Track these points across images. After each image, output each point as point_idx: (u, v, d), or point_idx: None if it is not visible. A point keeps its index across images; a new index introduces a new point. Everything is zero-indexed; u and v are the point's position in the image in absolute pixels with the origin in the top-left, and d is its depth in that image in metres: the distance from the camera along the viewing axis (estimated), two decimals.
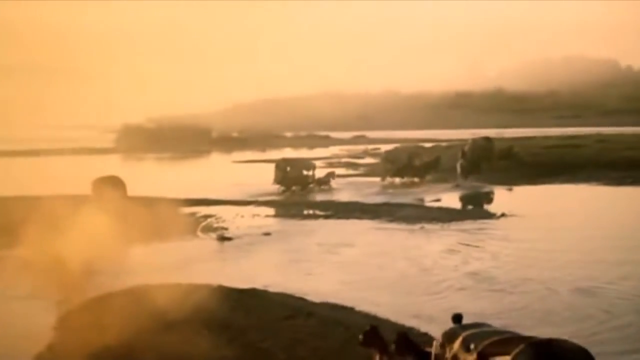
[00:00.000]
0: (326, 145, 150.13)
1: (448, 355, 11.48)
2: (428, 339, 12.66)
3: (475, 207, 48.93)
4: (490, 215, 42.45)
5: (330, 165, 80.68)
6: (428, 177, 65.48)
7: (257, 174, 74.72)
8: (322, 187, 61.41)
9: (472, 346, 11.02)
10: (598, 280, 25.23)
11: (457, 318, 12.45)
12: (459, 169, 65.20)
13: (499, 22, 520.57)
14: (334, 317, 20.42)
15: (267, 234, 37.33)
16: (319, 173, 63.71)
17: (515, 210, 43.58)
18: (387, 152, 72.52)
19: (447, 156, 71.69)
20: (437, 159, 69.23)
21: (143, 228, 32.83)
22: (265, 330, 19.24)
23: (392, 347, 12.86)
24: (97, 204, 35.74)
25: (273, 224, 41.40)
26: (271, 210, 46.99)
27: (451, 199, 52.04)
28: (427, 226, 38.50)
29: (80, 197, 39.61)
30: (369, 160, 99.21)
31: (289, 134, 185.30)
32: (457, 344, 11.34)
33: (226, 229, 38.80)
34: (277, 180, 60.78)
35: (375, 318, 19.69)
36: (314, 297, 23.55)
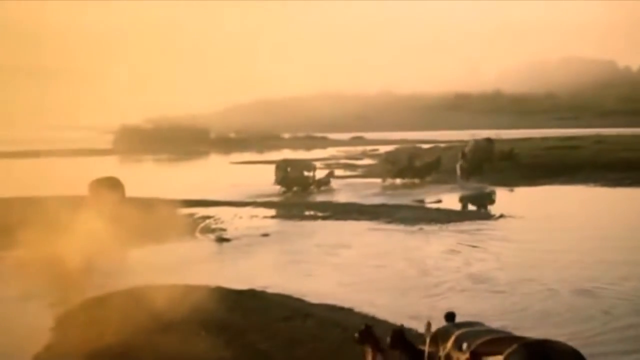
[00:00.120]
0: (324, 147, 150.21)
1: (441, 353, 11.49)
2: (425, 339, 12.66)
3: (478, 207, 48.77)
4: (489, 217, 42.47)
5: (329, 166, 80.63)
6: (429, 178, 65.42)
7: (255, 175, 74.75)
8: (322, 187, 61.44)
9: (464, 345, 11.04)
10: (598, 280, 25.21)
11: (449, 316, 12.46)
12: (458, 170, 65.25)
13: (498, 24, 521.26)
14: (332, 318, 20.39)
15: (266, 235, 37.30)
16: (318, 174, 63.69)
17: (514, 212, 43.58)
18: (388, 153, 72.51)
19: (447, 157, 71.75)
20: (438, 159, 69.22)
21: (141, 229, 32.79)
22: (263, 331, 19.20)
23: (387, 341, 12.91)
24: (95, 205, 35.69)
25: (271, 225, 41.37)
26: (269, 212, 46.95)
27: (451, 200, 52.09)
28: (426, 227, 38.48)
29: (79, 198, 39.60)
30: (367, 161, 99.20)
31: (286, 135, 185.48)
32: (450, 343, 11.36)
33: (224, 230, 38.76)
34: (278, 181, 60.80)
35: (373, 319, 19.66)
36: (312, 298, 23.51)
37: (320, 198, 55.13)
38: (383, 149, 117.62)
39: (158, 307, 20.09)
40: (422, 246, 33.35)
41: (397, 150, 74.49)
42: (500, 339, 10.85)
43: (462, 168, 65.64)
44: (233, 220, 42.87)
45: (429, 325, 12.42)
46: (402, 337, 12.85)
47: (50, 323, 21.09)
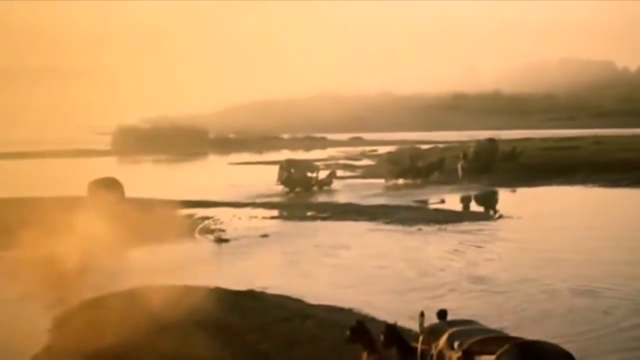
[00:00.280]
0: (323, 147, 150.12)
1: (434, 351, 11.51)
2: (417, 337, 12.72)
3: (485, 209, 48.56)
4: (488, 217, 42.53)
5: (328, 167, 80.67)
6: (431, 179, 65.38)
7: (254, 176, 74.76)
8: (324, 188, 61.59)
9: (456, 344, 11.07)
10: (598, 281, 25.23)
11: (441, 314, 12.48)
12: (460, 171, 65.41)
13: (496, 25, 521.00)
14: (331, 319, 20.39)
15: (265, 235, 37.30)
16: (320, 174, 63.82)
17: (513, 212, 43.65)
18: (391, 154, 72.52)
19: (447, 158, 71.72)
20: (441, 160, 69.20)
21: (140, 230, 32.81)
22: (262, 331, 19.20)
23: (381, 338, 12.92)
24: (94, 206, 35.72)
25: (270, 225, 41.37)
26: (268, 212, 46.96)
27: (454, 201, 52.21)
28: (425, 228, 38.50)
29: (77, 199, 39.64)
30: (366, 162, 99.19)
31: (285, 136, 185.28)
32: (442, 341, 11.39)
33: (223, 230, 38.75)
34: (281, 181, 60.91)
35: (372, 320, 19.67)
36: (311, 299, 23.53)
37: (321, 198, 55.23)
38: (382, 149, 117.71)
39: (157, 307, 20.08)
40: (421, 247, 33.37)
41: (400, 150, 74.45)
42: (493, 339, 10.90)
43: (463, 168, 65.78)
44: (232, 221, 42.86)
45: (422, 315, 12.45)
46: (395, 332, 12.88)
47: (48, 324, 21.08)
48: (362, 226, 39.99)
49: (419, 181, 64.64)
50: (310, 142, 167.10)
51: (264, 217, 44.78)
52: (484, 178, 62.85)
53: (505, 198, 54.17)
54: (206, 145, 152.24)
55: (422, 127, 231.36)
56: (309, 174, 62.55)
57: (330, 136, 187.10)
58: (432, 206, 49.63)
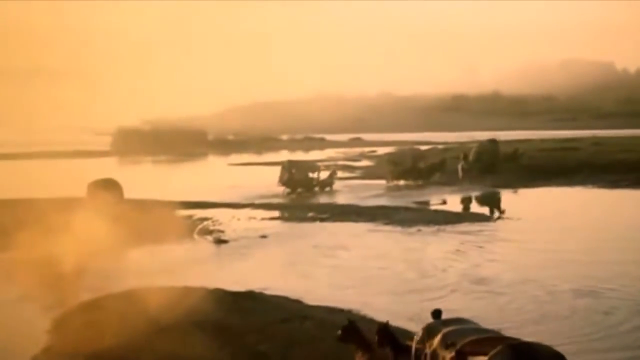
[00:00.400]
0: (322, 148, 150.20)
1: (428, 350, 11.52)
2: (411, 336, 12.74)
3: (490, 210, 48.35)
4: (487, 218, 42.51)
5: (328, 168, 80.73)
6: (433, 180, 65.40)
7: (254, 177, 74.77)
8: (326, 188, 61.69)
9: (449, 343, 11.08)
10: (597, 281, 25.23)
11: (436, 313, 12.49)
12: (460, 172, 65.48)
13: (495, 26, 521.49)
14: (330, 320, 20.34)
15: (264, 236, 37.27)
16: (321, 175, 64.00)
17: (512, 213, 43.61)
18: (392, 154, 72.57)
19: (448, 159, 71.74)
20: (443, 161, 69.23)
21: (139, 231, 32.79)
22: (261, 332, 19.17)
23: (375, 338, 12.94)
24: (93, 207, 35.67)
25: (269, 226, 41.34)
26: (267, 213, 46.93)
27: (455, 202, 52.24)
28: (424, 229, 38.48)
29: (76, 200, 39.60)
30: (365, 162, 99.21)
31: (284, 137, 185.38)
32: (436, 340, 11.39)
33: (222, 231, 38.71)
34: (283, 182, 60.98)
35: (371, 321, 19.64)
36: (310, 300, 23.51)
37: (322, 199, 55.28)
38: (381, 150, 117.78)
39: (156, 309, 20.05)
40: (420, 248, 33.35)
41: (401, 151, 74.54)
42: (487, 339, 10.90)
43: (463, 169, 65.85)
44: (231, 222, 42.83)
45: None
46: (388, 332, 12.91)
47: (47, 325, 21.04)
48: (362, 227, 39.96)
49: (420, 182, 64.66)
50: (309, 143, 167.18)
51: (263, 218, 44.75)
52: (487, 179, 62.90)
53: (505, 199, 54.14)
54: (205, 146, 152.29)
55: (421, 128, 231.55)
56: (311, 175, 62.66)
57: (330, 137, 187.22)
58: (432, 207, 49.62)
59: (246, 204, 51.72)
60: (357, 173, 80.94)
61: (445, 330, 11.45)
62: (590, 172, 63.70)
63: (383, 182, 65.68)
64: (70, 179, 53.00)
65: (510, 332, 15.00)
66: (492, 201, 52.66)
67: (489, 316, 20.15)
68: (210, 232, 38.57)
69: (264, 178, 67.96)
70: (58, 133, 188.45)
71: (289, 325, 19.89)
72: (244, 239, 36.71)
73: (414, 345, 11.96)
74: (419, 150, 79.30)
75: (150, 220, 35.04)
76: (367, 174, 77.79)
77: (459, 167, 66.19)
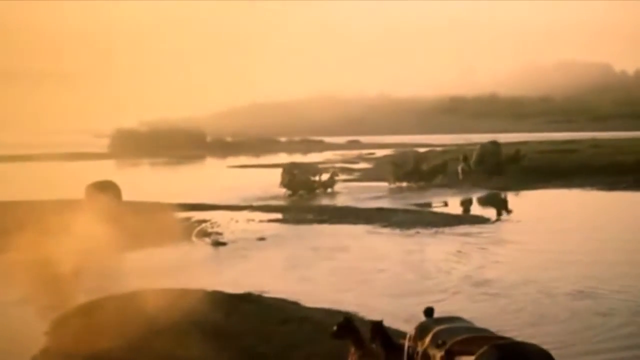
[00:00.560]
0: (320, 150, 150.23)
1: (419, 349, 11.54)
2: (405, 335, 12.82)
3: (497, 212, 48.22)
4: (486, 220, 42.50)
5: (326, 170, 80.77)
6: (436, 181, 65.43)
7: (252, 179, 74.74)
8: (327, 190, 61.81)
9: (439, 342, 11.10)
10: (596, 283, 25.24)
11: (428, 312, 12.51)
12: (460, 174, 65.55)
13: (493, 27, 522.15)
14: (329, 322, 20.30)
15: (262, 238, 37.27)
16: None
17: (511, 215, 43.59)
18: (394, 156, 72.64)
19: (449, 161, 71.81)
20: (445, 163, 69.28)
21: (137, 233, 32.77)
22: (260, 335, 19.17)
23: (369, 336, 13.03)
24: (91, 209, 35.67)
25: (268, 228, 41.33)
26: (266, 215, 46.93)
27: (454, 204, 52.33)
28: (423, 231, 38.49)
29: (75, 202, 39.60)
30: (363, 165, 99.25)
31: (283, 139, 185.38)
32: (428, 339, 11.42)
33: (221, 234, 38.70)
34: (284, 184, 61.11)
35: (369, 322, 19.62)
36: (309, 301, 23.50)
37: (323, 201, 55.34)
38: (379, 152, 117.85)
39: (154, 311, 20.04)
40: (419, 250, 33.35)
41: (403, 153, 74.68)
42: (476, 338, 10.90)
43: (464, 171, 65.94)
44: (229, 224, 42.81)
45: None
46: (381, 329, 12.96)
47: (46, 327, 21.03)
48: (360, 229, 39.96)
49: (422, 184, 64.74)
50: (308, 145, 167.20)
51: (262, 220, 44.73)
52: (493, 180, 62.97)
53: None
54: (204, 148, 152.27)
55: (419, 130, 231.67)
56: (312, 177, 62.87)
57: (328, 139, 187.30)
58: (432, 209, 49.64)
59: (244, 206, 51.71)
60: (355, 175, 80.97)
61: (436, 329, 11.49)
62: (588, 174, 63.74)
63: (382, 184, 65.72)
64: (69, 181, 53.02)
65: (510, 334, 14.99)
66: (499, 202, 52.80)
67: (486, 317, 20.13)
68: (209, 235, 38.56)
69: (262, 180, 67.97)
70: (56, 135, 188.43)
71: (288, 327, 19.88)
72: (242, 241, 36.70)
73: (406, 343, 11.99)
74: (421, 152, 79.40)
75: (148, 222, 35.01)
76: (366, 176, 77.81)
77: (459, 169, 66.27)
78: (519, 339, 12.45)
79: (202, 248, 35.44)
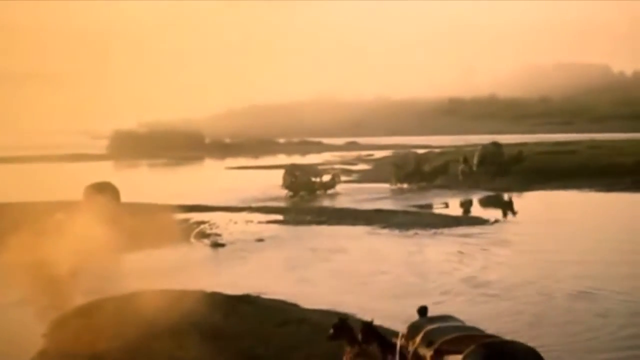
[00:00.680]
0: (319, 152, 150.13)
1: (410, 348, 11.59)
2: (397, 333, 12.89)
3: (503, 213, 48.11)
4: (484, 221, 42.48)
5: (326, 172, 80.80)
6: (437, 182, 65.46)
7: (251, 181, 74.73)
8: (330, 191, 61.90)
9: (429, 341, 11.16)
10: (593, 284, 25.25)
11: (422, 311, 12.53)
12: (460, 175, 65.59)
13: (491, 29, 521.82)
14: (327, 324, 20.30)
15: (261, 240, 37.26)
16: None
17: (510, 216, 43.58)
18: (396, 157, 72.66)
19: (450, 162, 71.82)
20: (446, 164, 69.38)
21: (136, 234, 32.76)
22: (258, 336, 19.16)
23: (360, 336, 13.12)
24: (89, 211, 35.65)
25: (266, 230, 41.32)
26: (264, 217, 46.92)
27: (454, 205, 52.38)
28: (421, 232, 38.49)
29: (73, 204, 39.57)
30: (362, 166, 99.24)
31: (281, 140, 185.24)
32: (418, 338, 11.47)
33: (219, 235, 38.70)
34: (286, 185, 61.28)
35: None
36: (307, 303, 23.49)
37: (325, 203, 55.36)
38: (378, 154, 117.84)
39: (153, 312, 20.03)
40: (418, 251, 33.35)
41: (404, 154, 74.62)
42: (465, 337, 10.97)
43: (464, 173, 65.99)
44: (228, 225, 42.81)
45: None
46: (372, 329, 13.02)
47: (44, 328, 21.01)
48: (359, 230, 39.96)
49: (423, 185, 64.79)
50: (306, 147, 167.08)
51: (260, 222, 44.73)
52: (495, 182, 62.98)
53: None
54: (202, 149, 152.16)
55: (418, 132, 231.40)
56: (313, 178, 63.07)
57: (326, 140, 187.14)
58: (432, 210, 49.65)
59: (243, 207, 51.70)
60: (354, 177, 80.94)
61: (427, 328, 11.54)
62: (587, 175, 63.71)
63: (381, 185, 65.77)
64: (67, 183, 52.99)
65: (510, 335, 14.98)
66: (504, 204, 52.83)
67: (484, 319, 20.13)
68: (207, 236, 38.56)
69: (260, 181, 67.98)
70: (54, 136, 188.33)
71: (286, 329, 19.87)
72: (241, 242, 36.71)
73: (398, 342, 12.05)
74: (422, 153, 79.46)
75: (146, 223, 34.99)
76: (365, 177, 77.82)
77: (459, 170, 66.31)
78: (522, 340, 12.45)
79: (201, 249, 35.43)
